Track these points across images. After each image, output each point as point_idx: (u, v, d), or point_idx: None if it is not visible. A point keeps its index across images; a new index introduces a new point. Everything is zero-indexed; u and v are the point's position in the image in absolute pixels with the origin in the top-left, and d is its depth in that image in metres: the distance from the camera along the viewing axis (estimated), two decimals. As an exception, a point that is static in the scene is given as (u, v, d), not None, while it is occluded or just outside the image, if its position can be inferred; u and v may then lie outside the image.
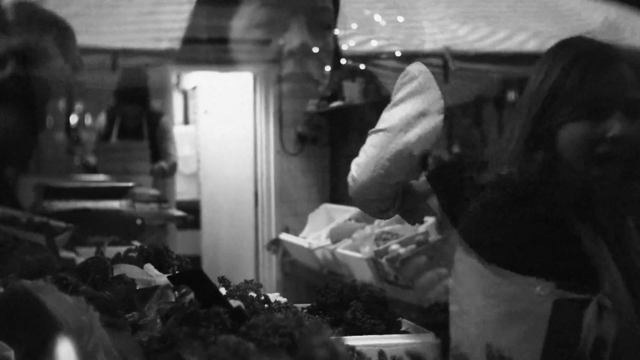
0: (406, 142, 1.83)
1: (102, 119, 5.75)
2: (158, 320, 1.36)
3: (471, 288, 1.72)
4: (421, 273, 3.13)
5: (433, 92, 1.89)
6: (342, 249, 3.90)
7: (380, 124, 1.88)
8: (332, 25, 3.59)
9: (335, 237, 4.10)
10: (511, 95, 5.30)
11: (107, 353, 0.92)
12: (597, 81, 1.59)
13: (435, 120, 1.86)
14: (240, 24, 4.73)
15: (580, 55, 1.63)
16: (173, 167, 5.68)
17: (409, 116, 1.86)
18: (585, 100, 1.58)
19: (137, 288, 1.52)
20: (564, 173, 1.60)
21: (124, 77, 5.25)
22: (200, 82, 7.47)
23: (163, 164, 5.52)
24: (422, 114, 1.86)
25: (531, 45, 4.33)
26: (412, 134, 1.84)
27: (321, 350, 0.78)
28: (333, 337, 0.85)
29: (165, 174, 5.60)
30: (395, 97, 1.91)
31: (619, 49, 1.66)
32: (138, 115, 5.56)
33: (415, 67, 1.93)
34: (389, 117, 1.88)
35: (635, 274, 1.57)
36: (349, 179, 1.91)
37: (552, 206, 1.60)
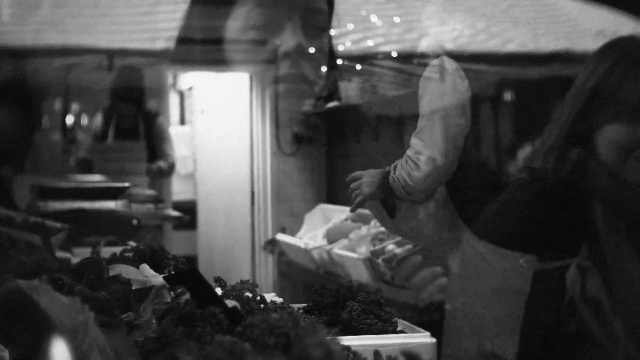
0: (459, 124, 2.16)
1: (98, 119, 5.74)
2: (154, 320, 1.36)
3: (467, 266, 1.82)
4: (417, 273, 3.13)
5: (451, 78, 2.16)
6: (338, 249, 3.90)
7: (422, 120, 2.15)
8: (327, 26, 3.60)
9: (332, 237, 4.10)
10: (507, 96, 5.29)
11: (102, 353, 0.92)
12: (639, 84, 1.58)
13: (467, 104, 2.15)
14: (236, 25, 4.74)
15: (624, 57, 1.62)
16: (171, 167, 5.67)
17: (459, 102, 2.15)
18: (625, 103, 1.58)
19: (133, 288, 1.52)
20: (598, 172, 1.60)
21: (119, 76, 5.25)
22: (197, 82, 7.47)
23: (161, 164, 5.51)
24: (463, 102, 2.16)
25: (527, 47, 4.33)
26: (465, 120, 2.17)
27: (316, 350, 0.78)
28: (328, 337, 0.85)
29: (163, 174, 5.59)
30: (433, 89, 2.17)
31: None
32: (134, 115, 5.55)
33: (439, 60, 2.21)
34: (439, 108, 2.14)
35: None
36: (411, 173, 2.16)
37: (580, 201, 1.60)
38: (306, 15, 2.63)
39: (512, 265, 1.80)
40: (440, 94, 2.18)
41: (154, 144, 5.57)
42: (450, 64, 2.20)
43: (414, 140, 2.23)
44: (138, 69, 5.28)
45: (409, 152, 2.25)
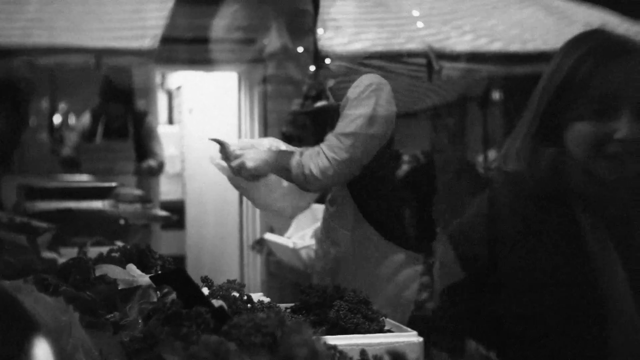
0: (382, 139, 2.33)
1: (86, 118, 5.72)
2: (140, 321, 1.36)
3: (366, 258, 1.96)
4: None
5: (386, 93, 2.34)
6: (326, 249, 3.89)
7: (349, 125, 2.34)
8: (314, 26, 3.61)
9: (320, 236, 4.09)
10: (496, 95, 5.31)
11: (87, 353, 0.91)
12: (607, 78, 1.53)
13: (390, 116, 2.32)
14: (224, 23, 4.73)
15: (592, 50, 1.57)
16: (161, 166, 5.67)
17: (388, 117, 2.34)
18: (594, 98, 1.54)
19: (119, 288, 1.51)
20: (572, 170, 1.58)
21: (109, 75, 5.24)
22: (185, 81, 7.45)
23: (152, 163, 5.50)
24: (392, 117, 2.34)
25: (516, 46, 4.34)
26: (388, 134, 2.33)
27: (301, 349, 0.78)
28: (314, 337, 0.85)
29: (153, 173, 5.59)
30: (359, 102, 2.36)
31: (635, 43, 1.61)
32: (123, 114, 5.54)
33: (369, 77, 2.38)
34: (369, 122, 2.33)
35: None
36: (321, 169, 2.33)
37: (560, 200, 1.59)
38: (292, 15, 2.68)
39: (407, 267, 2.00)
40: (374, 109, 2.34)
41: (143, 143, 5.56)
42: (381, 79, 2.38)
43: (333, 140, 2.38)
44: (128, 68, 5.27)
45: (324, 148, 2.39)
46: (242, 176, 2.42)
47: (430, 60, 3.84)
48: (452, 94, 4.70)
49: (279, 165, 2.43)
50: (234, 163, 2.41)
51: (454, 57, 3.95)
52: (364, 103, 2.35)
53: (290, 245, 4.40)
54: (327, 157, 2.36)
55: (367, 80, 2.38)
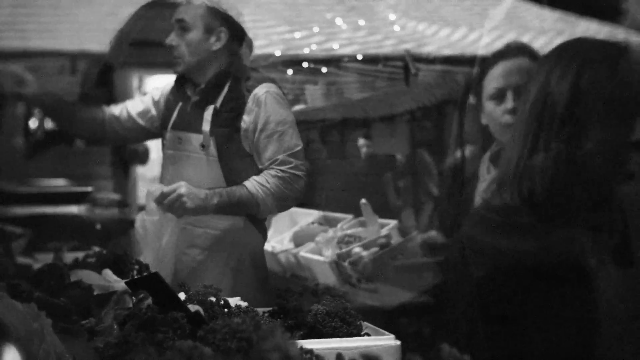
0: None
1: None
2: (115, 326, 1.35)
3: None
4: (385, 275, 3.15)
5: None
6: (305, 253, 3.89)
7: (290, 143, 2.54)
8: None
9: (299, 240, 4.09)
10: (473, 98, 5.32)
11: (59, 359, 0.90)
12: (617, 84, 1.45)
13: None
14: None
15: (588, 58, 1.48)
16: (145, 154, 5.60)
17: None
18: (609, 107, 1.45)
19: (95, 294, 1.50)
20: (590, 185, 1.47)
21: (87, 79, 5.19)
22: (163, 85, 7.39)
23: (136, 147, 5.45)
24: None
25: (493, 47, 4.35)
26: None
27: (273, 354, 0.77)
28: (287, 341, 0.84)
29: (139, 157, 5.52)
30: (283, 111, 2.56)
31: (625, 45, 1.52)
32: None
33: (269, 86, 2.54)
34: (291, 127, 2.57)
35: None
36: (296, 187, 2.50)
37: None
38: None
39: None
40: (287, 114, 2.57)
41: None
42: (273, 87, 2.56)
43: (284, 157, 2.49)
44: (107, 72, 5.23)
45: (284, 168, 2.49)
46: (174, 212, 2.38)
47: (407, 64, 3.85)
48: (430, 97, 4.72)
49: (229, 202, 2.46)
50: (172, 198, 2.37)
51: (431, 60, 3.96)
52: (282, 114, 2.53)
53: (269, 249, 4.39)
54: (295, 174, 2.49)
55: (271, 93, 2.53)
